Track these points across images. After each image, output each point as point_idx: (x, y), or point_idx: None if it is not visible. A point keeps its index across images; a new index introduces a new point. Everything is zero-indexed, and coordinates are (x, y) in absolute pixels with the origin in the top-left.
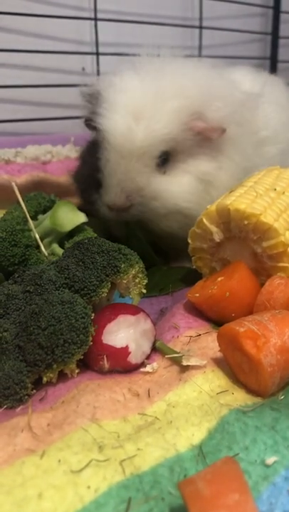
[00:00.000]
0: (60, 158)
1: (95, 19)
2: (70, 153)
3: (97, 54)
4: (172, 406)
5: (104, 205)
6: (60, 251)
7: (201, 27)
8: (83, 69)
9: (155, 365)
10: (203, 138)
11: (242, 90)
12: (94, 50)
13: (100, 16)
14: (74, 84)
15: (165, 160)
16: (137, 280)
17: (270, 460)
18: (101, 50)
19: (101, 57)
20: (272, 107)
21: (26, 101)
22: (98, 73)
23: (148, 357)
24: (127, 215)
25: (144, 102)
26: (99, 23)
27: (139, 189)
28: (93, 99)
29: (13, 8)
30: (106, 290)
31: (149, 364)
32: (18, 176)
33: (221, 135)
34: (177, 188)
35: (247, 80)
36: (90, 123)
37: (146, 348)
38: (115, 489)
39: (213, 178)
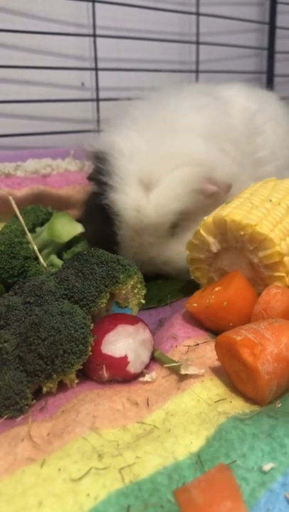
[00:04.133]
0: (60, 171)
1: (94, 35)
2: (69, 166)
3: (96, 69)
4: (171, 414)
5: None
6: (58, 262)
7: (198, 42)
8: (82, 84)
9: (154, 374)
10: (213, 198)
11: (239, 111)
12: (93, 66)
13: (98, 32)
14: (73, 99)
15: (175, 225)
16: (135, 291)
17: (267, 466)
18: (100, 65)
19: (100, 73)
20: (269, 123)
21: (26, 115)
22: (97, 88)
23: (147, 366)
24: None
25: (152, 169)
26: (98, 39)
27: (151, 259)
28: (98, 160)
29: (14, 25)
30: (105, 301)
31: (147, 373)
32: (19, 189)
33: (229, 191)
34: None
35: (240, 97)
36: (94, 179)
37: (145, 357)
38: (114, 497)
39: None
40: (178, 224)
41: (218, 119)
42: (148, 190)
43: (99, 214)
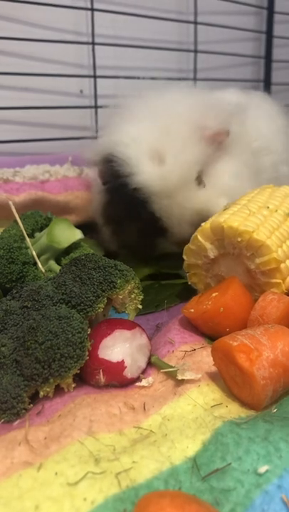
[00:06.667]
0: (58, 177)
1: (93, 43)
2: (67, 172)
3: (95, 77)
4: (167, 419)
5: (173, 243)
6: (56, 267)
7: (196, 51)
8: (81, 91)
9: (150, 379)
10: (216, 144)
11: (229, 102)
12: (91, 73)
13: (97, 40)
14: (72, 106)
15: (199, 176)
16: (132, 296)
17: (263, 469)
18: (98, 73)
19: (98, 80)
20: (262, 117)
21: (25, 122)
22: (95, 95)
23: (144, 371)
24: None
25: (156, 144)
26: (96, 47)
27: (194, 212)
28: (108, 161)
29: (14, 32)
30: (102, 305)
31: (144, 378)
32: (17, 194)
33: (228, 137)
34: (220, 193)
35: (234, 97)
36: (110, 180)
37: (142, 362)
38: (111, 501)
39: (242, 173)
40: (202, 175)
41: (201, 97)
42: (162, 161)
43: (128, 209)
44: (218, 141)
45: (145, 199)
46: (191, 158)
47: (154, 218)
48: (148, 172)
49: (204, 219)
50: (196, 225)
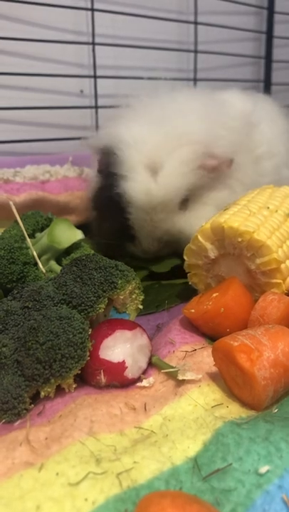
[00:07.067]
0: (59, 178)
1: (93, 43)
2: (67, 172)
3: (95, 77)
4: (168, 419)
5: (139, 251)
6: (57, 268)
7: (196, 51)
8: (81, 91)
9: (151, 379)
10: (216, 172)
11: (236, 110)
12: (92, 73)
13: (97, 40)
14: (72, 106)
15: (185, 199)
16: (133, 296)
17: (264, 469)
18: (99, 73)
19: (99, 80)
20: (265, 122)
21: (26, 122)
22: (96, 95)
23: (144, 372)
24: (162, 253)
25: (156, 154)
26: (97, 47)
27: (165, 232)
28: (105, 154)
29: (14, 32)
30: (103, 306)
31: (145, 379)
32: (17, 194)
33: (230, 166)
34: (200, 221)
35: (236, 99)
36: (103, 172)
37: (143, 363)
38: (112, 502)
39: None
40: (188, 198)
41: (211, 107)
42: (155, 174)
43: (111, 205)
44: (218, 171)
45: (125, 205)
46: (184, 181)
47: (127, 225)
48: (138, 181)
49: (175, 240)
50: (165, 243)
